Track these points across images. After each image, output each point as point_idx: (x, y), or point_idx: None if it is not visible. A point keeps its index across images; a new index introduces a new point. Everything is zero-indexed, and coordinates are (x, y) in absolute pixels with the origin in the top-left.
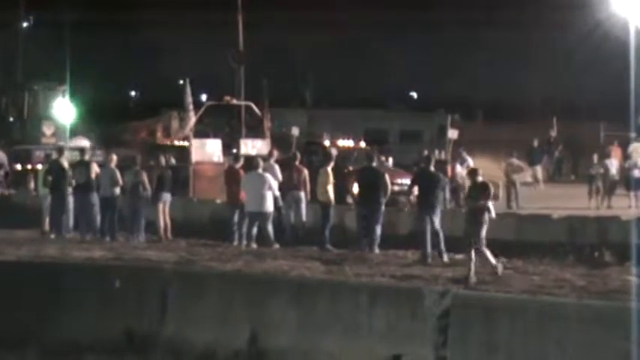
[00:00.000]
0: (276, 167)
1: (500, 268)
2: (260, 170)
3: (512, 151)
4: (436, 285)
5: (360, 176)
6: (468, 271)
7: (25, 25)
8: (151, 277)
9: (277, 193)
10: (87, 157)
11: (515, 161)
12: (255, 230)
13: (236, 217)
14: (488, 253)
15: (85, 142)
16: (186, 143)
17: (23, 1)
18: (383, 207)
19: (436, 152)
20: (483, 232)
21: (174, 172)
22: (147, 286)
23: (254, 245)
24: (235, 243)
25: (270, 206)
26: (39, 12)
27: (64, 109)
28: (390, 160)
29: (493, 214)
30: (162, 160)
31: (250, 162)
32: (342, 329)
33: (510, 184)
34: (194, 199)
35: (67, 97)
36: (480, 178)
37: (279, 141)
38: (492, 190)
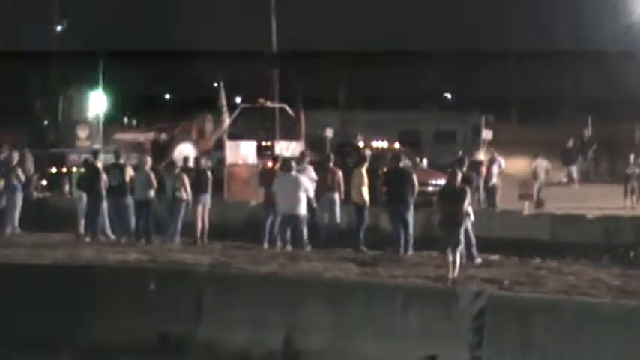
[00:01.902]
0: (311, 169)
1: (450, 280)
2: (294, 172)
3: (537, 152)
4: (471, 285)
5: (388, 177)
6: (446, 272)
7: (59, 27)
8: (185, 280)
9: (312, 195)
10: (122, 161)
11: (543, 162)
12: (288, 232)
13: (270, 219)
14: (458, 261)
15: (188, 150)
16: None
17: (58, 4)
18: (412, 207)
19: (475, 154)
20: (462, 236)
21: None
22: (182, 289)
23: (289, 247)
24: (265, 245)
25: (303, 209)
26: (73, 15)
27: (98, 112)
28: (425, 161)
29: (472, 218)
30: (202, 163)
31: (283, 164)
32: (376, 330)
33: (536, 185)
34: (228, 201)
35: (102, 100)
36: (459, 183)
37: (313, 143)
38: (469, 195)
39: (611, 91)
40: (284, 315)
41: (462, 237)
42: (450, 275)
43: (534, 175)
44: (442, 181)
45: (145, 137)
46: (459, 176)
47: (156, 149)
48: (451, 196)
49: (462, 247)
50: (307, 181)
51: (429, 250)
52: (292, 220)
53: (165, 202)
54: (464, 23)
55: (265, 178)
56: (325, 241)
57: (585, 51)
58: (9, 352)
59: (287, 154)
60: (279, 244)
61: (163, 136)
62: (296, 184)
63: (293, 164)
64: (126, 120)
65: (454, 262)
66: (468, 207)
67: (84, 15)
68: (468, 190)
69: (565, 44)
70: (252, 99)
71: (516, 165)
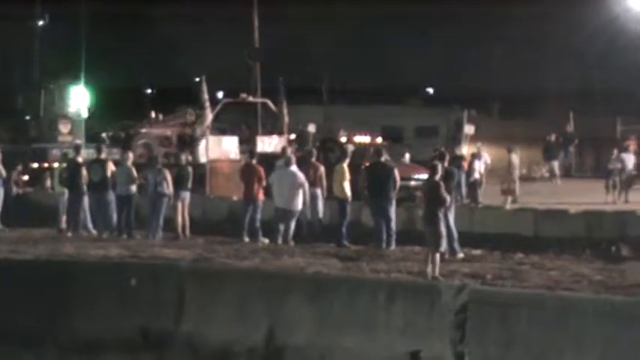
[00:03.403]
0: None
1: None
2: (293, 167)
3: (510, 147)
4: (453, 280)
5: (370, 172)
6: (426, 267)
7: (40, 22)
8: (167, 275)
9: (307, 191)
10: (103, 155)
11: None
12: (282, 227)
13: (249, 214)
14: (438, 259)
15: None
16: None
17: None
18: (394, 202)
19: (456, 149)
20: (442, 230)
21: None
22: (164, 284)
23: (280, 241)
24: (246, 240)
25: (299, 204)
26: (55, 9)
27: (80, 107)
28: (407, 155)
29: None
30: (183, 158)
31: (271, 159)
32: (359, 326)
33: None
34: (211, 196)
35: (83, 94)
36: (437, 177)
37: (296, 138)
38: (442, 189)
39: (592, 85)
40: (266, 310)
41: (439, 232)
42: (429, 271)
43: (510, 169)
44: (424, 176)
45: (172, 131)
46: (439, 170)
47: (181, 143)
48: (427, 191)
49: (443, 242)
50: (303, 177)
51: (412, 244)
52: (287, 214)
53: (147, 197)
54: (446, 17)
55: (245, 173)
56: (308, 236)
57: (566, 46)
58: None
59: (269, 149)
60: (264, 240)
61: (187, 130)
62: (294, 179)
63: (293, 158)
64: (153, 114)
65: (433, 258)
66: (446, 200)
67: (65, 10)
68: (441, 184)
69: (547, 39)
70: (235, 94)
71: (498, 160)
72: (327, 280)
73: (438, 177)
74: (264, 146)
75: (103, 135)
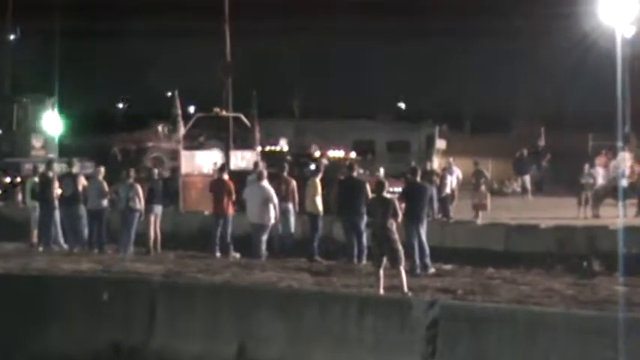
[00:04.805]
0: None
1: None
2: (264, 182)
3: (476, 160)
4: (424, 295)
5: (341, 187)
6: (377, 286)
7: (12, 37)
8: (138, 289)
9: (277, 206)
10: (74, 170)
11: (484, 171)
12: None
13: (220, 229)
14: (404, 275)
15: (217, 156)
16: None
17: (11, 13)
18: (365, 217)
19: (428, 164)
20: (400, 247)
21: (165, 184)
22: (135, 299)
23: (263, 254)
24: (218, 254)
25: (269, 218)
26: (27, 23)
27: (52, 122)
28: (382, 169)
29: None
30: (155, 173)
31: (243, 174)
32: (330, 340)
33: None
34: (182, 210)
35: (56, 109)
36: (385, 194)
37: (267, 152)
38: (397, 206)
39: (563, 101)
40: (238, 325)
41: (396, 246)
42: (381, 289)
43: (476, 184)
44: (398, 189)
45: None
46: (386, 186)
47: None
48: (382, 209)
49: (401, 255)
50: (273, 191)
51: None
52: (258, 229)
53: (118, 211)
54: (418, 33)
55: (215, 188)
56: (279, 250)
57: (538, 61)
58: None
59: (242, 163)
60: (232, 253)
61: (195, 144)
62: (263, 193)
63: (264, 173)
64: (160, 128)
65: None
66: (399, 215)
67: (37, 24)
68: (395, 201)
69: (519, 55)
70: (207, 108)
71: (470, 175)
72: (298, 294)
73: (384, 192)
74: (237, 161)
75: (114, 149)
